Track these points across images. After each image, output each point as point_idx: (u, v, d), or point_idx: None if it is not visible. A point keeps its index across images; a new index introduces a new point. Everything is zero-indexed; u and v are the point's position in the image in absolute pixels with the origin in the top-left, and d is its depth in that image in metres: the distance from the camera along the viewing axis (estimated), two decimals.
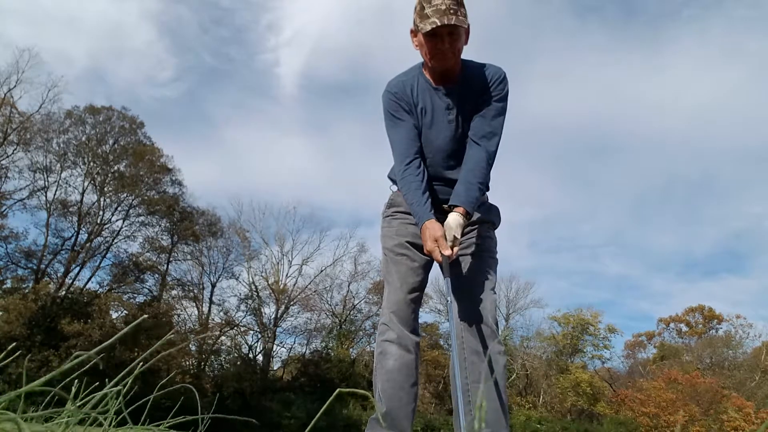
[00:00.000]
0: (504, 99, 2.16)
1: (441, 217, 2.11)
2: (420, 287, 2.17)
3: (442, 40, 1.99)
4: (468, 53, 2.18)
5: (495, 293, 2.12)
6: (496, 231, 2.30)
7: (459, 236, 1.98)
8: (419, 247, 2.17)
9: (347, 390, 0.77)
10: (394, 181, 2.35)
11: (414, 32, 2.08)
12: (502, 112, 2.16)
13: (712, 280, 63.30)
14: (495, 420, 1.90)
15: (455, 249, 1.97)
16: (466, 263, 2.16)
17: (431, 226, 1.97)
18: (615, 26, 58.31)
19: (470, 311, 2.04)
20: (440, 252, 1.93)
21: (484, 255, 2.18)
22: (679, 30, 57.98)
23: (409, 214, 2.21)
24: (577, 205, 58.56)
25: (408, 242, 2.20)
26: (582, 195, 58.55)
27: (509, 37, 55.39)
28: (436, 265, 2.19)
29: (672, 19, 58.62)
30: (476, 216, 2.21)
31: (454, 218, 1.99)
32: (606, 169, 58.02)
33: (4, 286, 23.11)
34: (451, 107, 2.14)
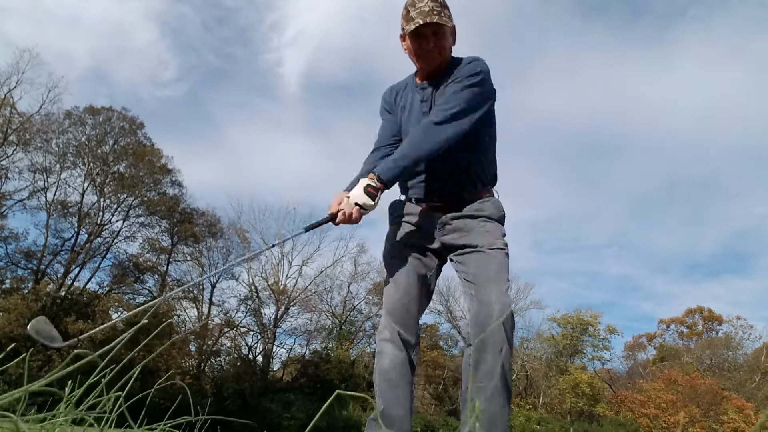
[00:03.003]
0: (469, 76, 2.08)
1: (434, 213, 2.17)
2: (415, 287, 2.13)
3: (427, 40, 2.06)
4: (473, 53, 2.20)
5: (503, 280, 1.98)
6: (496, 221, 2.16)
7: (361, 201, 1.96)
8: (415, 247, 2.18)
9: (347, 393, 0.77)
10: (401, 189, 2.35)
11: (403, 37, 2.15)
12: (467, 86, 2.07)
13: (714, 281, 63.27)
14: (490, 422, 1.84)
15: (354, 211, 1.96)
16: (467, 262, 2.09)
17: (339, 193, 2.03)
18: (619, 26, 58.34)
19: (477, 308, 1.95)
20: (333, 211, 1.97)
21: (481, 247, 2.08)
22: (684, 30, 58.01)
23: (407, 215, 2.24)
24: (580, 206, 58.59)
25: (403, 243, 2.21)
26: (585, 195, 58.55)
27: (514, 37, 55.43)
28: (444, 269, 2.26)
29: (676, 19, 58.66)
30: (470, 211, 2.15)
31: (360, 181, 1.99)
32: (609, 169, 58.02)
33: (4, 287, 23.12)
34: (425, 99, 2.18)
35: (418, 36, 2.05)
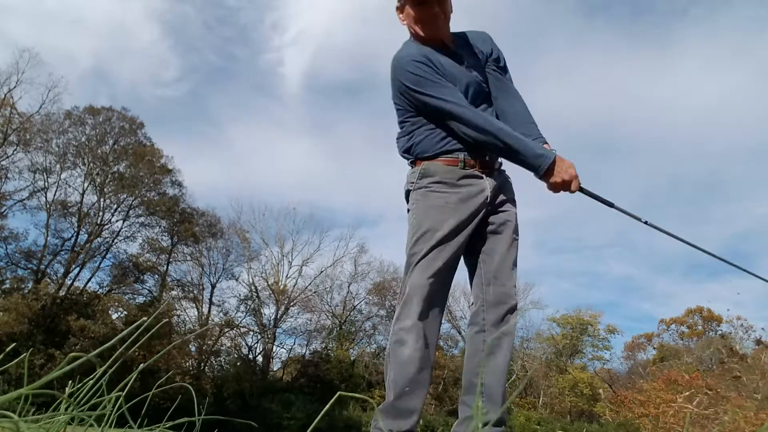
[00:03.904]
0: (502, 56, 2.30)
1: (479, 180, 2.07)
2: (447, 276, 2.00)
3: (431, 6, 2.06)
4: None
5: (515, 277, 2.17)
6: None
7: None
8: (456, 225, 2.01)
9: (349, 394, 0.77)
10: (421, 159, 2.12)
11: (400, 8, 2.15)
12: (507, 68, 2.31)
13: (716, 282, 63.12)
14: (494, 392, 1.92)
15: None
16: (501, 242, 2.11)
17: (563, 158, 1.98)
18: (621, 25, 58.25)
19: (498, 297, 2.07)
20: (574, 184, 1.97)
21: (515, 238, 2.17)
22: (686, 29, 57.92)
23: (446, 184, 2.05)
24: (582, 205, 58.53)
25: (447, 218, 2.01)
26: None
27: (515, 36, 55.24)
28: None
29: (679, 18, 58.56)
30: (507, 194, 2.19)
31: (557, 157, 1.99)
32: (611, 169, 57.83)
33: (4, 287, 23.13)
34: (463, 62, 2.18)
35: (422, 4, 2.06)
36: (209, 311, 29.80)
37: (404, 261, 2.06)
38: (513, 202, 2.19)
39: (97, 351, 0.82)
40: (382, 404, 1.85)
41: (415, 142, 2.13)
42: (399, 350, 1.89)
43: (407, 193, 2.15)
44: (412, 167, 2.16)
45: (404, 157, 2.23)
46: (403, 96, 2.11)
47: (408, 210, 2.13)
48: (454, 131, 2.05)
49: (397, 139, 2.23)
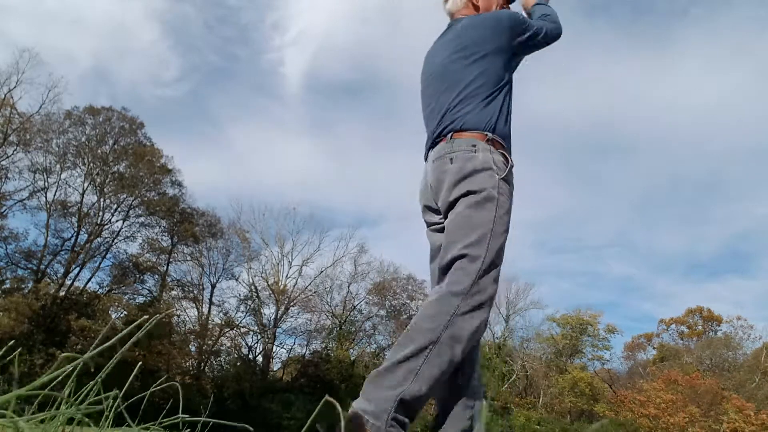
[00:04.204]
0: None
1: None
2: None
3: None
4: None
5: None
6: None
7: None
8: None
9: (345, 400, 0.76)
10: (500, 142, 1.93)
11: None
12: None
13: (716, 282, 63.17)
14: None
15: None
16: None
17: None
18: (621, 25, 58.30)
19: None
20: None
21: None
22: (686, 29, 57.99)
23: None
24: (582, 206, 58.53)
25: None
26: (587, 195, 58.45)
27: None
28: None
29: (679, 18, 58.63)
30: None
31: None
32: (611, 169, 57.94)
33: (4, 287, 23.14)
34: None
35: None
36: (209, 311, 29.81)
37: (472, 249, 1.72)
38: None
39: (96, 351, 0.82)
40: (408, 393, 1.51)
41: (499, 119, 1.92)
42: (456, 348, 1.64)
43: (482, 171, 1.81)
44: (490, 146, 1.86)
45: (470, 130, 1.90)
46: (515, 43, 2.07)
47: (483, 190, 1.79)
48: (508, 122, 2.02)
49: (473, 108, 1.93)
